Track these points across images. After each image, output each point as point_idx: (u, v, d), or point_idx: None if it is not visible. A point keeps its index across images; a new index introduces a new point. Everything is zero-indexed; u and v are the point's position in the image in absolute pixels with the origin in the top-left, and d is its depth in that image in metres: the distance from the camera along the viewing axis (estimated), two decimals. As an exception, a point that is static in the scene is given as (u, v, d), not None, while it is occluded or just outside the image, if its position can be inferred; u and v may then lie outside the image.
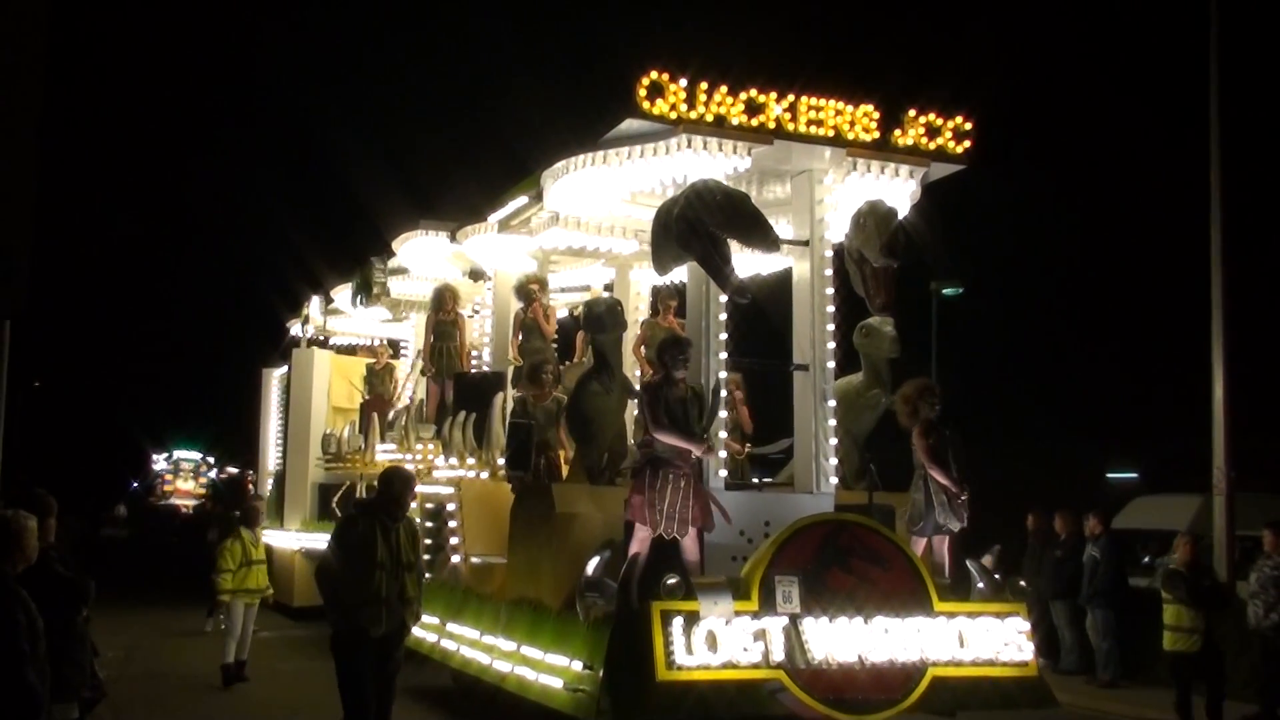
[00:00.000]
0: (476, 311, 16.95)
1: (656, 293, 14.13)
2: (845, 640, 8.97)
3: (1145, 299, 36.15)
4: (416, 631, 13.02)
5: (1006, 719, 10.00)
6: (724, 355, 10.31)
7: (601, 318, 10.73)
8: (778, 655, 8.81)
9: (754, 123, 10.01)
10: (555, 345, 14.24)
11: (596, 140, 10.39)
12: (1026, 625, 9.58)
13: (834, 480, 10.62)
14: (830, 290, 10.81)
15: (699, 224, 9.66)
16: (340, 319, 20.82)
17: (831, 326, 10.78)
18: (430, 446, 15.43)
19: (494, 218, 12.96)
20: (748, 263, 11.82)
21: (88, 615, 7.74)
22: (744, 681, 8.77)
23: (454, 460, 13.53)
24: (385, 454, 16.46)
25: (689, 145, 9.98)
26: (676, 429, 9.33)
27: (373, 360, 19.58)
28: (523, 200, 12.14)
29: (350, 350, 21.57)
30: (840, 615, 9.05)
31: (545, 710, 9.63)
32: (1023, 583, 10.05)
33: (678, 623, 8.69)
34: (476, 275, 16.78)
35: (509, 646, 10.38)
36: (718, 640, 8.73)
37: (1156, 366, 32.38)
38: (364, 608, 8.33)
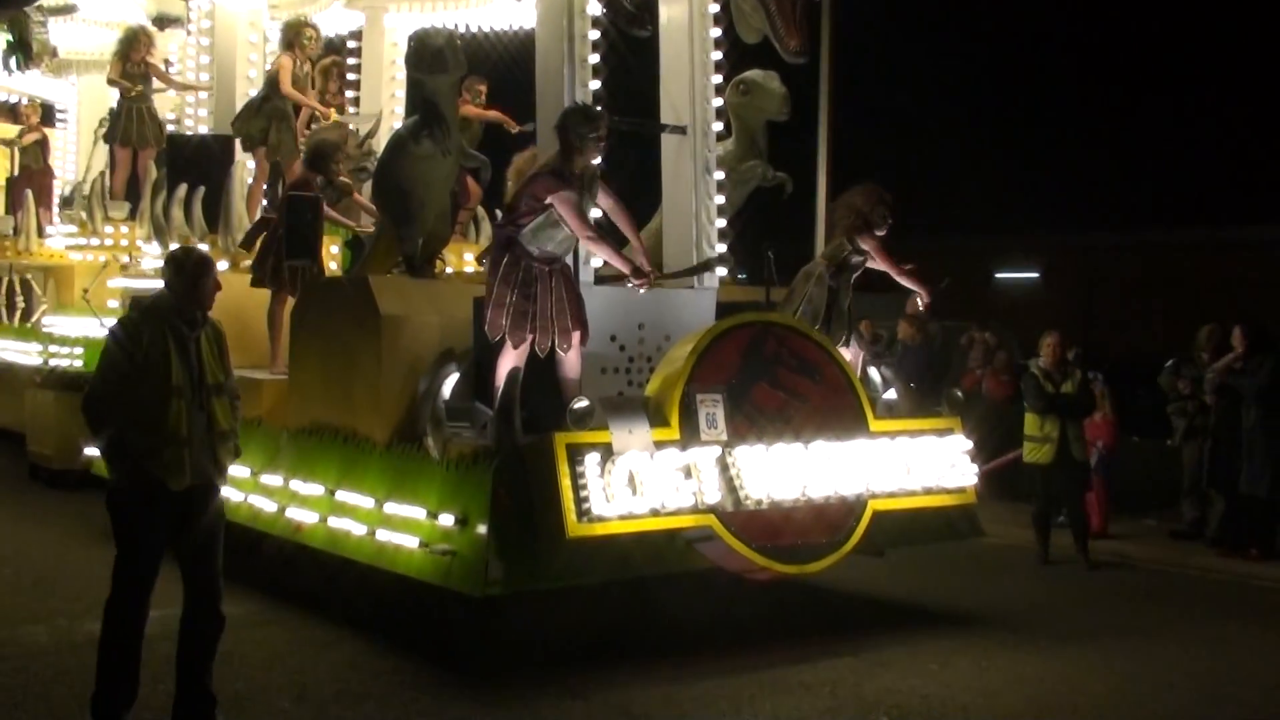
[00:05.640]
0: (168, 65, 13.57)
1: None
2: (786, 473, 7.09)
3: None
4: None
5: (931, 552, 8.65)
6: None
7: (441, 53, 7.92)
8: (711, 495, 6.82)
9: None
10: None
11: None
12: (969, 444, 8.04)
13: (720, 271, 8.59)
14: (714, 33, 8.56)
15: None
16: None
17: (718, 79, 8.59)
18: (125, 229, 12.27)
19: (238, -78, 9.73)
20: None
21: None
22: (673, 531, 6.79)
23: (176, 247, 10.50)
24: (62, 240, 13.02)
25: None
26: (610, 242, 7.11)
27: (21, 126, 15.62)
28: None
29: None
30: (778, 441, 7.14)
31: (380, 575, 7.31)
32: (958, 391, 8.48)
33: (591, 460, 6.51)
34: (164, 21, 13.36)
35: (311, 490, 7.87)
36: (637, 481, 6.64)
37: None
38: (158, 452, 5.71)
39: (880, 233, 8.27)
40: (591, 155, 7.11)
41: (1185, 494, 11.69)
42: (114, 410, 5.81)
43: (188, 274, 5.96)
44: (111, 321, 11.59)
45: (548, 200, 6.94)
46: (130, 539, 5.85)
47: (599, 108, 7.35)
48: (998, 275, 32.92)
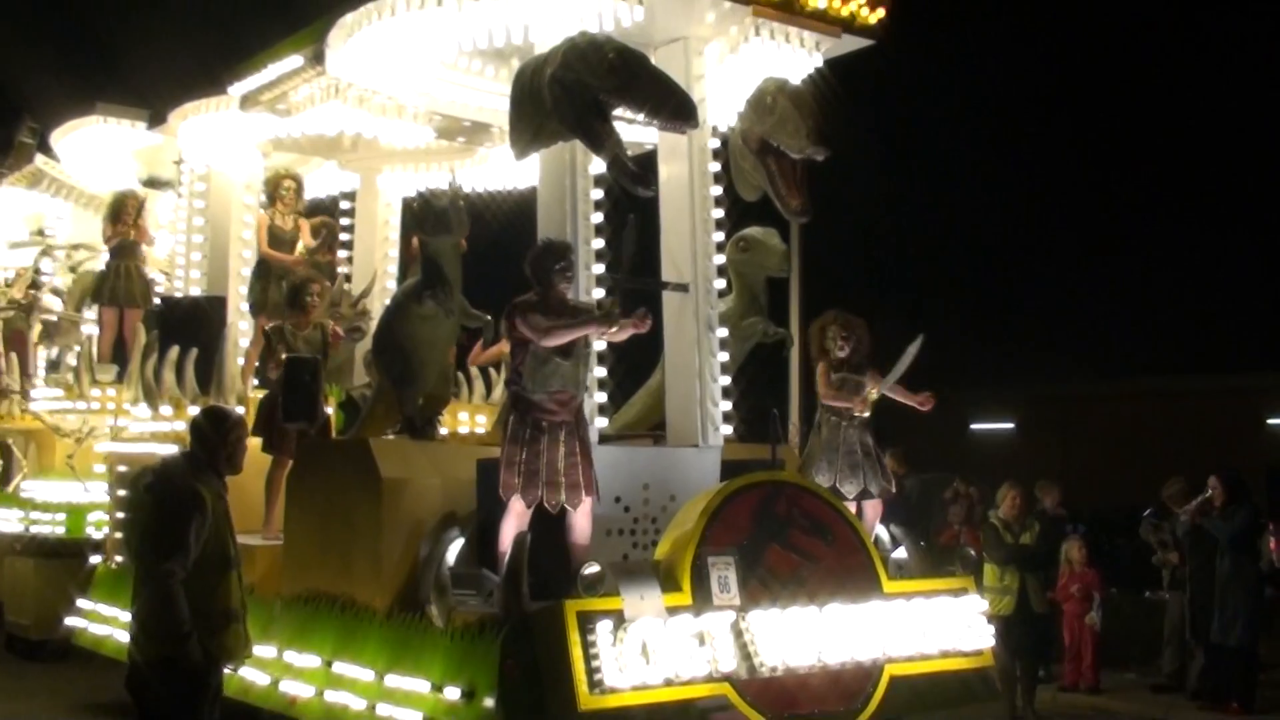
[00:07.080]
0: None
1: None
2: (801, 638, 6.85)
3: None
4: (101, 631, 10.08)
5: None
6: (597, 269, 7.90)
7: (445, 214, 7.92)
8: (726, 663, 6.58)
9: (654, -43, 7.63)
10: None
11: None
12: (984, 604, 7.84)
13: (725, 430, 8.47)
14: (715, 191, 8.59)
15: (582, 89, 7.18)
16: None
17: (719, 237, 8.60)
18: (111, 392, 12.11)
19: (238, 88, 9.77)
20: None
21: None
22: (687, 702, 6.51)
23: (167, 409, 10.36)
24: (48, 404, 12.82)
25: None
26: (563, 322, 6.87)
27: (8, 287, 15.57)
28: (292, 63, 9.05)
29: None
30: (792, 605, 6.92)
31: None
32: (970, 550, 8.31)
33: (603, 628, 6.28)
34: (155, 183, 13.48)
35: (307, 662, 7.56)
36: (650, 649, 6.39)
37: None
38: (219, 630, 5.47)
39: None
40: (561, 288, 7.05)
41: (1166, 644, 11.54)
42: (169, 580, 5.50)
43: (234, 437, 5.80)
44: (96, 485, 11.47)
45: (518, 328, 6.84)
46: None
47: (566, 241, 7.33)
48: (973, 426, 32.96)
